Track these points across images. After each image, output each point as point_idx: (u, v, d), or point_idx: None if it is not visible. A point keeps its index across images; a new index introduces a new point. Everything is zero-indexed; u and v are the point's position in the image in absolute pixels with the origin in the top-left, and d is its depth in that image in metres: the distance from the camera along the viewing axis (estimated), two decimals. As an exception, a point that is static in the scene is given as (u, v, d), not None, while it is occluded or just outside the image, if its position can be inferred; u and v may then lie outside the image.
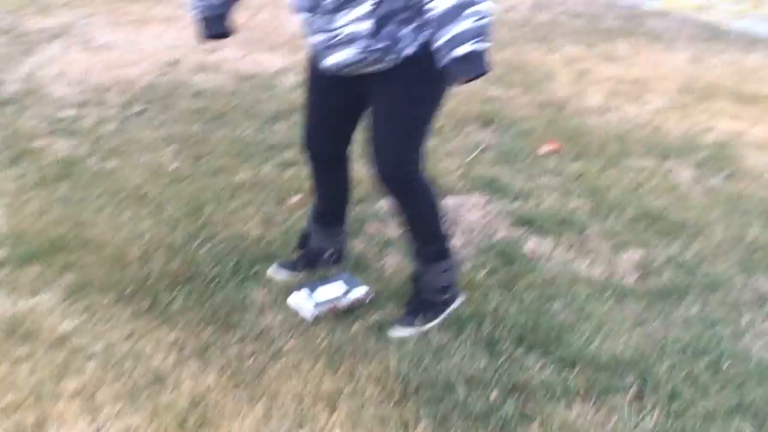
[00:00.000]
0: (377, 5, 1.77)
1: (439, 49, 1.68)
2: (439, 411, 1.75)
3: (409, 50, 1.84)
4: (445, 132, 3.63)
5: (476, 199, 2.94)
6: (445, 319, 2.10)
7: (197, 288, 2.23)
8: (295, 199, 2.86)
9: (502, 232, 2.69)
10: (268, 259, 2.41)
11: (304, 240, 2.39)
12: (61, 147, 3.27)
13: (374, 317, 2.12)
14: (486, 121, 3.81)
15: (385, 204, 2.83)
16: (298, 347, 1.97)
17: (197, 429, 1.68)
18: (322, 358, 1.93)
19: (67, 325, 2.04)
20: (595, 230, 2.70)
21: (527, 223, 2.73)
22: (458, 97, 4.14)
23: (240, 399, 1.78)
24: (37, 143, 3.31)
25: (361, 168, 3.13)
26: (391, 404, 1.77)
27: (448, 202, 2.88)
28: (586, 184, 3.08)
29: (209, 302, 2.16)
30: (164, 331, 2.03)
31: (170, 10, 5.94)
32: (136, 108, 3.79)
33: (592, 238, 2.65)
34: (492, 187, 3.03)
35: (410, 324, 2.05)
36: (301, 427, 1.70)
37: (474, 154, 3.36)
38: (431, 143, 3.42)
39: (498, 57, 5.05)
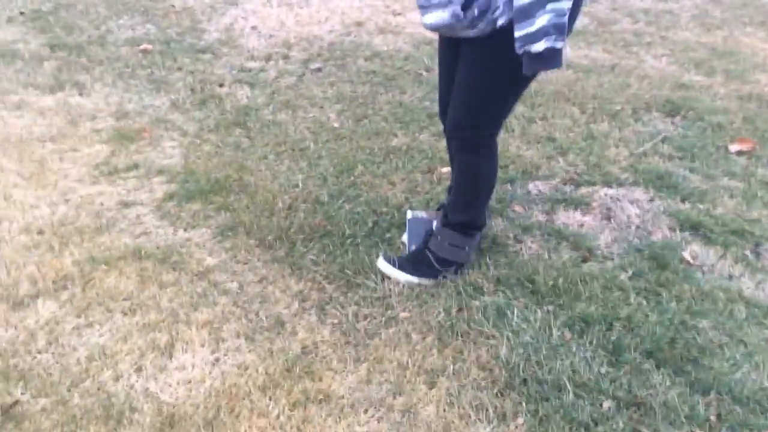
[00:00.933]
0: None
1: (516, 39, 1.68)
2: (541, 409, 1.65)
3: (502, 20, 1.75)
4: (621, 117, 3.37)
5: (639, 193, 2.69)
6: (568, 317, 1.97)
7: (332, 244, 2.30)
8: (444, 169, 2.83)
9: (661, 233, 2.45)
10: (404, 225, 2.42)
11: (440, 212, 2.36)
12: (242, 95, 3.51)
13: (497, 299, 2.05)
14: (673, 110, 3.47)
15: (533, 187, 2.72)
16: (413, 318, 1.97)
17: (301, 377, 1.75)
18: (433, 333, 1.91)
19: (211, 261, 2.21)
20: (774, 246, 2.36)
21: (693, 227, 2.46)
22: (647, 80, 3.82)
23: (347, 357, 1.82)
24: (222, 90, 3.58)
25: (512, 148, 3.02)
26: (493, 392, 1.71)
27: (606, 192, 2.69)
28: (775, 193, 2.70)
29: (339, 259, 2.22)
30: (293, 280, 2.13)
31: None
32: (315, 65, 3.95)
33: (767, 255, 2.32)
34: (661, 183, 2.76)
35: (395, 265, 2.12)
36: (398, 396, 1.70)
37: (649, 145, 3.08)
38: (603, 128, 3.23)
39: (704, 39, 4.57)
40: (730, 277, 2.22)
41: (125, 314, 1.96)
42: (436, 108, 3.43)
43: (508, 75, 1.84)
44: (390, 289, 2.09)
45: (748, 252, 2.34)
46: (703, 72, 4.01)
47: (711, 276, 2.21)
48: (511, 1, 1.72)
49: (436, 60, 4.00)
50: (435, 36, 4.53)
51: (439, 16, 1.82)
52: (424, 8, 1.87)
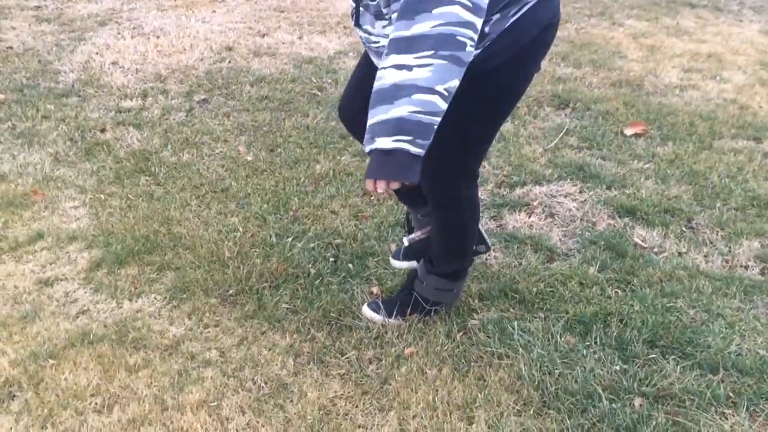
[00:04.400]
0: None
1: (367, 128, 1.35)
2: (585, 422, 1.65)
3: None
4: (521, 115, 3.50)
5: (569, 187, 2.81)
6: (565, 322, 1.99)
7: (301, 287, 2.14)
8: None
9: (604, 222, 2.56)
10: (366, 254, 2.32)
11: (408, 223, 2.20)
12: (133, 139, 3.19)
13: (491, 314, 2.02)
14: (561, 103, 3.66)
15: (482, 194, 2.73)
16: (419, 352, 1.88)
17: (333, 443, 1.60)
18: (448, 364, 1.83)
19: (176, 330, 1.96)
20: (704, 219, 2.56)
21: (629, 212, 2.60)
22: (527, 78, 4.00)
23: (370, 409, 1.70)
24: (107, 135, 3.22)
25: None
26: (531, 413, 1.68)
27: (540, 190, 2.77)
28: (682, 169, 2.94)
29: (317, 303, 2.06)
30: (277, 336, 1.95)
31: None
32: (200, 97, 3.69)
33: (702, 228, 2.51)
34: (583, 174, 2.89)
35: (381, 311, 1.98)
36: (441, 439, 1.61)
37: (556, 140, 3.22)
38: (508, 128, 3.33)
39: (560, 33, 4.89)
40: (680, 254, 2.37)
41: (100, 412, 1.68)
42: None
43: (465, 118, 1.61)
44: (383, 325, 1.98)
45: (685, 228, 2.51)
46: (572, 64, 4.28)
47: (665, 256, 2.35)
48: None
49: (326, 78, 3.93)
50: (314, 54, 4.43)
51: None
52: (369, 51, 1.69)
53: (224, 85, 3.85)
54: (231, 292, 2.12)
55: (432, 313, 2.01)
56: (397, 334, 1.95)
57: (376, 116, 1.34)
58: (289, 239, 2.40)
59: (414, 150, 1.33)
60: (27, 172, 2.86)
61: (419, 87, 1.29)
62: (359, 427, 1.65)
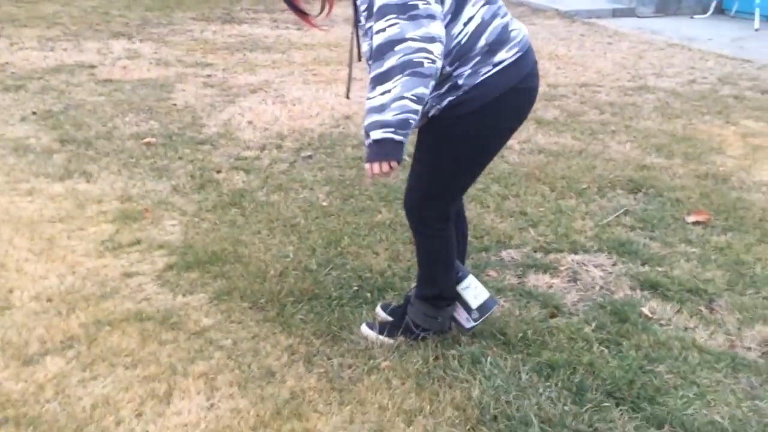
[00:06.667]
0: None
1: (363, 132, 1.83)
2: (509, 441, 1.81)
3: (434, 112, 1.95)
4: (587, 194, 3.65)
5: (602, 259, 2.93)
6: (536, 363, 2.15)
7: (319, 305, 2.49)
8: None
9: (622, 292, 2.66)
10: (386, 288, 2.63)
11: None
12: (238, 180, 3.79)
13: (472, 348, 2.23)
14: (635, 188, 3.76)
15: (506, 255, 2.95)
16: (393, 366, 2.14)
17: (290, 418, 1.91)
18: (412, 379, 2.08)
19: (207, 321, 2.39)
20: (726, 302, 2.57)
21: (652, 287, 2.68)
22: (612, 163, 4.14)
23: (332, 401, 1.99)
24: (220, 176, 3.86)
25: (487, 221, 3.28)
26: (466, 428, 1.87)
27: (573, 258, 2.92)
28: (728, 257, 2.94)
29: (326, 318, 2.40)
30: (283, 337, 2.31)
31: (355, 72, 6.56)
32: (306, 153, 4.26)
33: (720, 310, 2.53)
34: (622, 250, 3.00)
35: (373, 329, 2.30)
36: (378, 433, 1.85)
37: (612, 217, 3.34)
38: (570, 203, 3.50)
39: (664, 127, 4.95)
40: (685, 328, 2.41)
41: (127, 368, 2.13)
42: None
43: (446, 157, 2.01)
44: (373, 342, 2.26)
45: (702, 308, 2.54)
46: (664, 155, 4.34)
47: (668, 328, 2.41)
48: (437, 98, 1.91)
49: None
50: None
51: None
52: None
53: (330, 146, 4.40)
54: (262, 300, 2.53)
55: (419, 338, 2.26)
56: (381, 350, 2.22)
57: (368, 120, 1.79)
58: (328, 268, 2.78)
59: (397, 137, 1.77)
60: (148, 196, 3.53)
61: (395, 97, 1.74)
62: (316, 411, 1.94)
